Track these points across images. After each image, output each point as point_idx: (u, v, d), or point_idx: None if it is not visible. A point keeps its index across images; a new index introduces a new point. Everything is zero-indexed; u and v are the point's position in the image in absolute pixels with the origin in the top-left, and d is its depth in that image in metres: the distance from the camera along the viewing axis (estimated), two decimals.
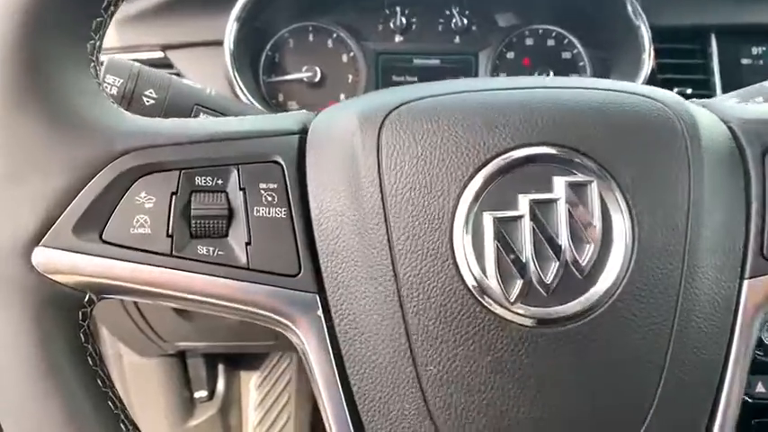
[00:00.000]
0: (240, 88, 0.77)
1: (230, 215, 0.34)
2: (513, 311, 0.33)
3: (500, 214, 0.33)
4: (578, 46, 0.90)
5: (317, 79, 0.88)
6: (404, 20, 0.88)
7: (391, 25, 0.89)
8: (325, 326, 0.34)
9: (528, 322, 0.33)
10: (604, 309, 0.33)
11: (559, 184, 0.33)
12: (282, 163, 0.35)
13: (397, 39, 0.90)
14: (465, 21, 0.88)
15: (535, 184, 0.33)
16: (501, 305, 0.33)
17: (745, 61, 0.83)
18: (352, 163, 0.34)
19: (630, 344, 0.33)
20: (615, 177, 0.33)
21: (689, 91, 0.83)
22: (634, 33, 0.78)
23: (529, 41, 0.90)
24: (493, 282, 0.33)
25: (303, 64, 0.89)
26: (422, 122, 0.34)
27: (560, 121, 0.34)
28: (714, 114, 0.38)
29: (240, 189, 0.34)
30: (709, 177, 0.34)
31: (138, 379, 1.17)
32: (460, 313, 0.33)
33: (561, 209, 0.33)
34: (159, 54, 0.84)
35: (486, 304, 0.33)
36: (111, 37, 0.85)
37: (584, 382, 0.33)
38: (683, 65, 0.83)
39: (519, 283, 0.33)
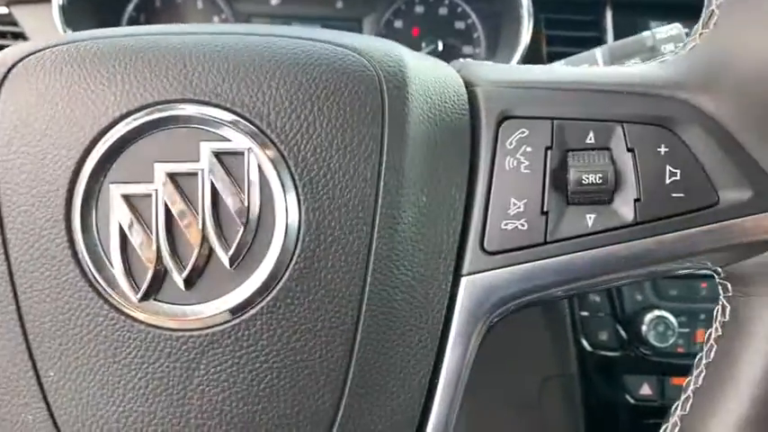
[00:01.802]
0: None
1: None
2: (141, 310, 0.26)
3: (128, 189, 0.26)
4: (472, 16, 0.83)
5: None
6: None
7: None
8: None
9: (161, 323, 0.26)
10: (258, 309, 0.26)
11: (206, 152, 0.26)
12: None
13: (274, 1, 0.82)
14: None
15: (178, 152, 0.26)
16: (128, 301, 0.26)
17: None
18: None
19: (296, 351, 0.27)
20: (279, 145, 0.26)
21: None
22: (515, 1, 0.71)
23: (419, 9, 0.83)
24: (118, 272, 0.26)
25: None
26: (49, 75, 0.27)
27: (214, 74, 0.27)
28: (461, 77, 0.31)
29: None
30: (416, 149, 0.28)
31: None
32: (80, 309, 0.26)
33: (204, 183, 0.26)
34: (3, 9, 0.76)
35: (110, 300, 0.26)
36: None
37: (237, 395, 0.27)
38: (574, 38, 0.76)
39: (149, 276, 0.26)
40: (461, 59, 0.34)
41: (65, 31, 0.70)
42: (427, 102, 0.29)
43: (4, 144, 0.27)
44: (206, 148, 0.26)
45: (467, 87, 0.30)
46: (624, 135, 0.28)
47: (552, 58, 0.75)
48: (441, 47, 0.82)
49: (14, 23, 0.76)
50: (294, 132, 0.26)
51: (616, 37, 0.75)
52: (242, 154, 0.26)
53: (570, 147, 0.28)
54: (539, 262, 0.28)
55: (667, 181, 0.27)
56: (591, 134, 0.28)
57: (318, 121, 0.27)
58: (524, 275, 0.28)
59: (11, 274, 0.27)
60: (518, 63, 0.71)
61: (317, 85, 0.27)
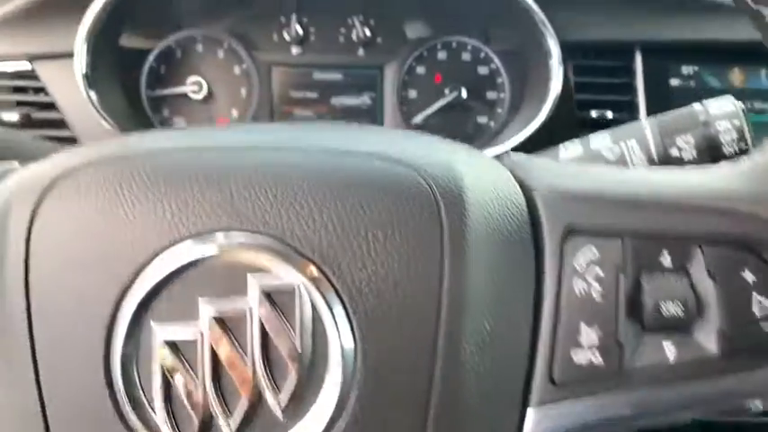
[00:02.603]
0: (94, 105, 0.68)
1: None
2: None
3: (171, 332, 0.24)
4: (496, 61, 0.81)
5: (201, 94, 0.80)
6: (299, 29, 0.80)
7: (286, 35, 0.80)
8: None
9: None
10: None
11: (254, 289, 0.24)
12: None
13: (294, 50, 0.81)
14: (368, 31, 0.80)
15: (224, 287, 0.25)
16: None
17: (674, 82, 0.74)
18: None
19: None
20: (332, 278, 0.25)
21: (609, 114, 0.74)
22: (543, 49, 0.69)
23: (441, 55, 0.81)
24: (161, 420, 0.24)
25: (192, 76, 0.80)
26: (83, 202, 0.25)
27: (261, 200, 0.25)
28: (515, 179, 0.29)
29: None
30: (479, 273, 0.26)
31: None
32: None
33: (253, 325, 0.24)
34: (26, 66, 0.75)
35: None
36: None
37: None
38: (604, 84, 0.74)
39: (195, 425, 0.24)
40: (511, 153, 0.33)
41: (87, 93, 0.69)
42: (486, 218, 0.27)
43: (38, 279, 0.25)
44: (254, 284, 0.24)
45: (524, 192, 0.28)
46: (703, 258, 0.26)
47: (582, 106, 0.74)
48: (465, 94, 0.80)
49: (36, 77, 0.75)
50: (347, 263, 0.25)
51: (647, 83, 0.73)
52: (293, 290, 0.24)
53: (644, 268, 0.26)
54: (611, 395, 0.26)
55: (754, 310, 0.25)
56: (666, 255, 0.26)
57: (374, 250, 0.25)
58: (596, 408, 0.26)
59: (45, 416, 0.25)
60: (550, 112, 0.69)
61: (370, 209, 0.25)
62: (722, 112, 0.40)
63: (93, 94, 0.68)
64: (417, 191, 0.26)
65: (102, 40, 0.70)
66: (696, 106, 0.41)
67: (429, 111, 0.81)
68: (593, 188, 0.28)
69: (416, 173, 0.26)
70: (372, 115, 0.82)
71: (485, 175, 0.28)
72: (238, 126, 0.32)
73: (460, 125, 0.82)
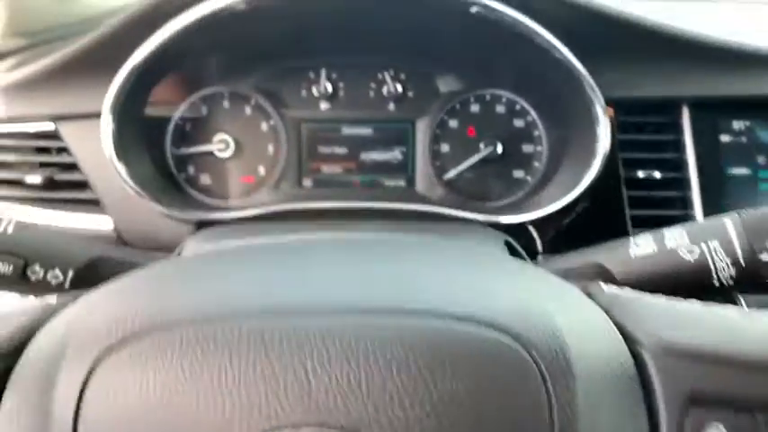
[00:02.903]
0: (117, 171, 0.66)
1: None
2: None
3: None
4: (533, 114, 0.78)
5: (228, 152, 0.77)
6: (329, 85, 0.77)
7: (315, 91, 0.78)
8: None
9: None
10: None
11: None
12: None
13: (323, 106, 0.78)
14: (399, 86, 0.77)
15: None
16: None
17: (724, 138, 0.70)
18: (42, 417, 0.22)
19: None
20: None
21: (657, 174, 0.70)
22: (589, 109, 0.65)
23: (474, 108, 0.78)
24: None
25: (218, 133, 0.78)
26: (147, 378, 0.22)
27: (344, 387, 0.21)
28: (616, 325, 0.26)
29: None
30: None
31: None
32: None
33: None
34: (50, 126, 0.74)
35: None
36: None
37: None
38: (650, 142, 0.70)
39: None
40: (603, 286, 0.29)
41: (116, 167, 0.66)
42: (594, 386, 0.23)
43: None
44: None
45: (629, 346, 0.25)
46: None
47: (627, 164, 0.70)
48: (500, 148, 0.77)
49: (59, 138, 0.73)
50: None
51: (695, 139, 0.70)
52: None
53: None
54: None
55: None
56: None
57: None
58: None
59: None
60: (596, 175, 0.65)
61: (471, 392, 0.21)
62: None
63: (121, 167, 0.66)
64: (521, 365, 0.22)
65: (128, 107, 0.67)
66: None
67: (462, 167, 0.77)
68: (715, 346, 0.24)
69: (515, 340, 0.22)
70: (403, 170, 0.79)
71: (586, 329, 0.25)
72: (290, 259, 0.28)
73: (496, 180, 0.78)
